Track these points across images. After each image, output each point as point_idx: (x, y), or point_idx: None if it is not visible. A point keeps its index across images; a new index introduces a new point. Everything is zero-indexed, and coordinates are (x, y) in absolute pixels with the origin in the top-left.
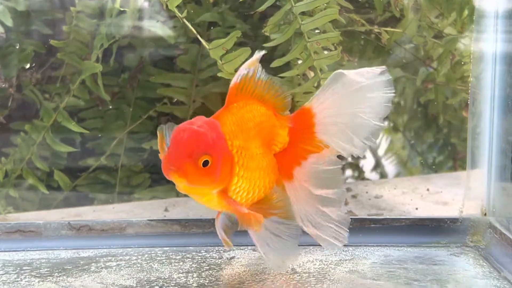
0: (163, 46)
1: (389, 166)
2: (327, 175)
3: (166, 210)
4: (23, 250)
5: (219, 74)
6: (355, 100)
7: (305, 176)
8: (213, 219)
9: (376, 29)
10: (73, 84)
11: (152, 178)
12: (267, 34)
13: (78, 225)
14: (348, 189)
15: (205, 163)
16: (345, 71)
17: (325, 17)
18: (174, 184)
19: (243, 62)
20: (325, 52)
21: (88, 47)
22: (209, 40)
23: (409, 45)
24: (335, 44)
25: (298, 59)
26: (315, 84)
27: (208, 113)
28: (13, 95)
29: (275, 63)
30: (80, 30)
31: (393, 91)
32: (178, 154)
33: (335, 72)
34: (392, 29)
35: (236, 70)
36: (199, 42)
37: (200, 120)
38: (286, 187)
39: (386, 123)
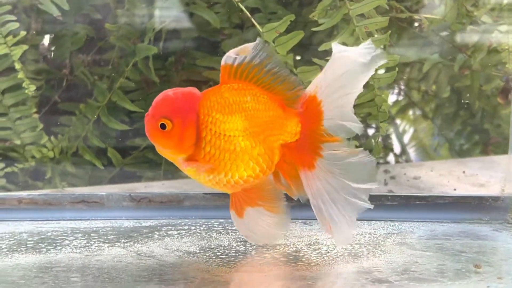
0: (207, 31)
1: (416, 153)
2: (360, 167)
3: None
4: (88, 219)
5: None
6: (355, 80)
7: (331, 167)
8: None
9: (416, 16)
10: (126, 66)
11: None
12: (315, 18)
13: (139, 197)
14: (386, 171)
15: (163, 126)
16: (345, 53)
17: (372, 3)
18: None
19: (295, 45)
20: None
21: (138, 31)
22: (251, 26)
23: (444, 32)
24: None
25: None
26: None
27: None
28: (67, 76)
29: (323, 47)
30: (131, 14)
31: (386, 61)
32: (149, 113)
33: (333, 54)
34: (432, 16)
35: (288, 53)
36: (242, 27)
37: (183, 89)
38: (305, 177)
39: None
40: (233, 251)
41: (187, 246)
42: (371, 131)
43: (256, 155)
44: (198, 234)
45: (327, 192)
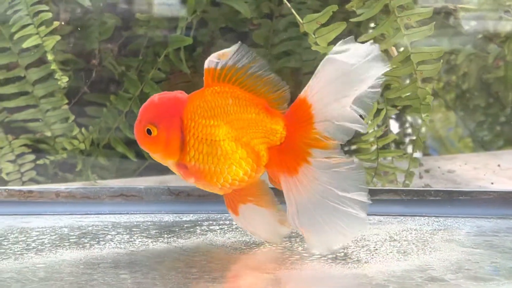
0: (234, 20)
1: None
2: (348, 177)
3: None
4: (127, 213)
5: (313, 48)
6: (350, 83)
7: (318, 174)
8: None
9: (451, 6)
10: (158, 57)
11: None
12: (353, 9)
13: (177, 191)
14: (420, 164)
15: (149, 131)
16: (336, 56)
17: None
18: None
19: (337, 36)
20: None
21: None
22: (280, 16)
23: (475, 23)
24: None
25: None
26: (402, 59)
27: None
28: (96, 67)
29: (362, 38)
30: (162, 3)
31: (388, 64)
32: (138, 119)
33: (325, 58)
34: (467, 6)
35: (329, 44)
36: (271, 17)
37: (170, 93)
38: (285, 181)
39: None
40: (280, 248)
41: (232, 241)
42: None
43: (238, 159)
44: (241, 230)
45: (308, 199)
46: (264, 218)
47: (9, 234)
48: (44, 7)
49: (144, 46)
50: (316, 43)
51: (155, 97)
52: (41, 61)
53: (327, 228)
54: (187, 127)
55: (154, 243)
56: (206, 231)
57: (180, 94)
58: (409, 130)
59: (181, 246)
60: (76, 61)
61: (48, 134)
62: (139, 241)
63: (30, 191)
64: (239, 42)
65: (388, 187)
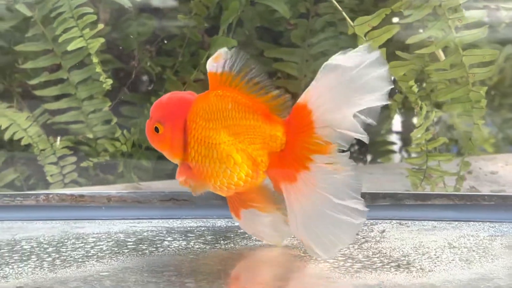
0: (269, 20)
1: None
2: (346, 184)
3: None
4: (179, 218)
5: None
6: (351, 88)
7: (315, 181)
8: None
9: (493, 6)
10: (201, 59)
11: None
12: (400, 10)
13: None
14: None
15: (156, 129)
16: (335, 61)
17: None
18: None
19: (388, 39)
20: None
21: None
22: (316, 15)
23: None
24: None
25: None
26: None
27: None
28: (135, 68)
29: (411, 40)
30: (202, 6)
31: (387, 66)
32: (150, 115)
33: (325, 64)
34: (508, 6)
35: (380, 47)
36: (308, 17)
37: (179, 93)
38: (285, 188)
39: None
40: (339, 255)
41: (290, 248)
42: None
43: (233, 164)
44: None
45: (307, 207)
46: (265, 223)
47: (66, 240)
48: (88, 9)
49: (182, 46)
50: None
51: (165, 96)
52: (83, 63)
53: (325, 235)
54: (189, 128)
55: (212, 249)
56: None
57: (189, 94)
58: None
59: (240, 253)
60: (115, 62)
61: (90, 136)
62: (197, 248)
63: (82, 196)
64: (236, 47)
65: (440, 192)
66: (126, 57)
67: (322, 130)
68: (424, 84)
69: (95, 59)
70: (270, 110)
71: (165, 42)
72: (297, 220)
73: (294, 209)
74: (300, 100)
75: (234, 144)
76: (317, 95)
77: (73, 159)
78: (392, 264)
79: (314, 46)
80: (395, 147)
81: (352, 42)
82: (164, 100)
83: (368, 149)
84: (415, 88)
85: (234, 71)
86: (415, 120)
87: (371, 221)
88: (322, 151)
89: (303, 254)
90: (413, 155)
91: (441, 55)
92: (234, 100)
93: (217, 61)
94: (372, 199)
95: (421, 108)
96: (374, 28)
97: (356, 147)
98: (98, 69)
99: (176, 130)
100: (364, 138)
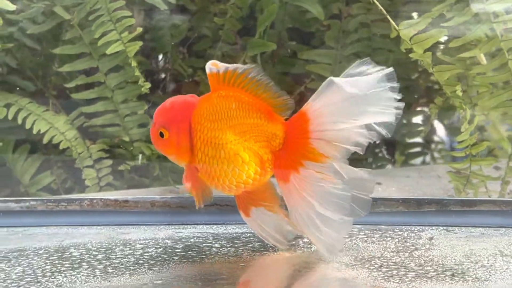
0: (301, 21)
1: None
2: (332, 194)
3: None
4: (223, 224)
5: (411, 55)
6: (350, 110)
7: (304, 185)
8: (401, 199)
9: None
10: (238, 60)
11: None
12: (443, 13)
13: None
14: (497, 168)
15: (161, 134)
16: (337, 80)
17: None
18: None
19: (434, 43)
20: None
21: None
22: (349, 16)
23: None
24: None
25: None
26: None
27: None
28: (170, 70)
29: (453, 44)
30: (236, 8)
31: (398, 97)
32: (153, 120)
33: (327, 79)
34: None
35: (425, 51)
36: (340, 18)
37: (181, 98)
38: (281, 187)
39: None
40: (391, 263)
41: (340, 256)
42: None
43: (241, 162)
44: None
45: (298, 207)
46: (274, 222)
47: (114, 247)
48: (126, 12)
49: (211, 47)
50: (411, 50)
51: (168, 101)
52: (118, 66)
53: (316, 236)
54: (194, 131)
55: (261, 256)
56: (309, 244)
57: (191, 98)
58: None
59: (288, 261)
60: (148, 64)
61: (126, 139)
62: (246, 255)
63: (126, 201)
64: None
65: (485, 197)
66: (158, 58)
67: (316, 142)
68: (465, 88)
69: (133, 63)
70: (273, 108)
71: (196, 43)
72: (295, 218)
73: (289, 207)
74: (303, 107)
75: (240, 143)
76: (317, 106)
77: (109, 162)
78: (447, 273)
79: (347, 47)
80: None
81: (385, 43)
82: (167, 105)
83: (395, 150)
84: (459, 92)
85: (236, 70)
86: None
87: (418, 227)
88: (315, 159)
89: (354, 263)
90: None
91: (482, 58)
92: (237, 99)
93: (215, 66)
94: (418, 205)
95: (464, 112)
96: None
97: (384, 148)
98: (137, 72)
99: (181, 134)
100: (360, 151)
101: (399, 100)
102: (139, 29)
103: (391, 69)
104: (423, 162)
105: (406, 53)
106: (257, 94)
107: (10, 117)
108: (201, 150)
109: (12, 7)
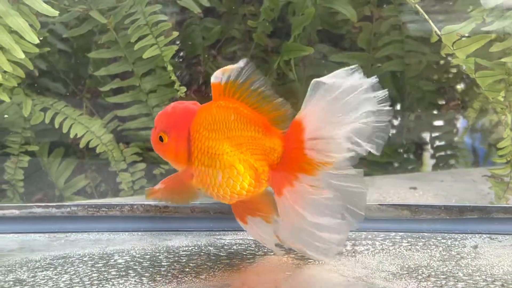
0: (331, 23)
1: None
2: (323, 205)
3: None
4: None
5: (454, 61)
6: (341, 105)
7: (297, 199)
8: (443, 206)
9: None
10: (273, 63)
11: None
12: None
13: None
14: None
15: (161, 139)
16: (322, 78)
17: None
18: None
19: (476, 49)
20: None
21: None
22: (381, 18)
23: None
24: None
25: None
26: None
27: None
28: (202, 73)
29: (494, 48)
30: (269, 10)
31: (371, 85)
32: (154, 124)
33: (312, 81)
34: None
35: (467, 57)
36: (372, 20)
37: (184, 104)
38: (276, 200)
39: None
40: (439, 273)
41: (386, 265)
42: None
43: (235, 174)
44: (387, 250)
45: (291, 220)
46: (269, 231)
47: (158, 254)
48: (163, 16)
49: (241, 49)
50: (453, 55)
51: (169, 106)
52: (153, 70)
53: (308, 247)
54: (193, 138)
55: (306, 265)
56: (353, 252)
57: (192, 105)
58: None
59: (336, 270)
60: (180, 67)
61: None
62: (291, 263)
63: (166, 207)
64: (246, 59)
65: None
66: (191, 61)
67: (311, 150)
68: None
69: (169, 67)
70: (270, 122)
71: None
72: (285, 229)
73: (283, 219)
74: (297, 116)
75: (236, 155)
76: (310, 113)
77: (142, 165)
78: (496, 283)
79: (379, 50)
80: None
81: (417, 45)
82: (168, 110)
83: (423, 153)
84: (501, 98)
85: (239, 81)
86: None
87: (461, 235)
88: (309, 171)
89: (401, 271)
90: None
91: None
92: (237, 111)
93: (225, 73)
94: (460, 212)
95: (506, 118)
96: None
97: (413, 151)
98: (173, 76)
99: (180, 140)
100: (354, 160)
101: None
102: (175, 33)
103: (374, 78)
104: (450, 165)
105: (438, 56)
106: (257, 107)
107: (47, 121)
108: (198, 158)
109: (54, 13)
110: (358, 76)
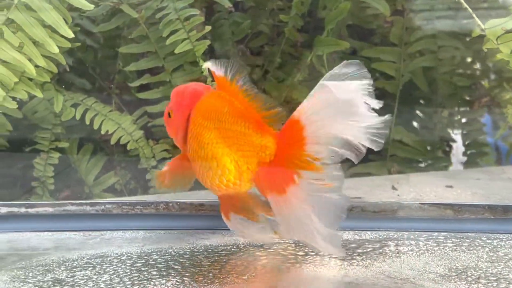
0: (360, 17)
1: None
2: (328, 202)
3: (393, 188)
4: None
5: (498, 56)
6: (342, 111)
7: (302, 196)
8: (487, 205)
9: None
10: (300, 60)
11: None
12: None
13: (351, 206)
14: None
15: (169, 115)
16: (328, 83)
17: None
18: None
19: None
20: None
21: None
22: (412, 12)
23: None
24: None
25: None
26: None
27: (415, 89)
28: None
29: None
30: (300, 5)
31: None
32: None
33: (319, 83)
34: None
35: None
36: (402, 14)
37: (196, 85)
38: (273, 199)
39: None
40: (489, 274)
41: (433, 266)
42: None
43: (222, 166)
44: (432, 251)
45: (296, 218)
46: (252, 229)
47: (197, 253)
48: (195, 11)
49: (268, 44)
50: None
51: (185, 85)
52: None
53: (313, 240)
54: (190, 123)
55: (351, 266)
56: (397, 252)
57: (203, 88)
58: None
59: (381, 271)
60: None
61: None
62: (334, 263)
63: (201, 204)
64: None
65: None
66: (219, 56)
67: (313, 147)
68: None
69: (201, 62)
70: (264, 119)
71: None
72: (289, 228)
73: (284, 218)
74: (294, 114)
75: (221, 147)
76: (311, 112)
77: None
78: None
79: (412, 44)
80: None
81: (450, 40)
82: (180, 89)
83: (451, 150)
84: None
85: (228, 77)
86: None
87: (506, 235)
88: (311, 167)
89: (449, 273)
90: None
91: None
92: (232, 104)
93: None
94: (504, 212)
95: None
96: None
97: (444, 148)
98: (205, 72)
99: (181, 121)
100: (357, 158)
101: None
102: (208, 28)
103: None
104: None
105: (472, 51)
106: (251, 102)
107: (77, 117)
108: (189, 143)
109: (89, 6)
110: (359, 77)
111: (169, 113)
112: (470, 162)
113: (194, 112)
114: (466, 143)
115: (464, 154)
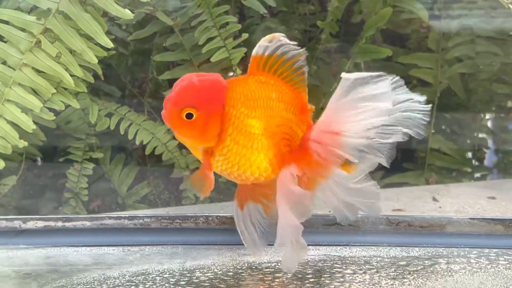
0: (396, 22)
1: None
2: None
3: (434, 199)
4: (346, 245)
5: None
6: (367, 109)
7: (334, 189)
8: None
9: None
10: (334, 67)
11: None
12: None
13: (397, 220)
14: None
15: (189, 116)
16: (352, 76)
17: None
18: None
19: None
20: None
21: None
22: (449, 17)
23: None
24: None
25: None
26: None
27: (453, 96)
28: None
29: None
30: (336, 10)
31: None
32: (171, 99)
33: (342, 79)
34: None
35: None
36: (439, 19)
37: (209, 76)
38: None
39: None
40: None
41: (489, 286)
42: None
43: (271, 156)
44: (485, 269)
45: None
46: (263, 225)
47: (240, 271)
48: (231, 18)
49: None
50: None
51: (193, 78)
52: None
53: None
54: (228, 115)
55: (403, 286)
56: (449, 271)
57: (219, 77)
58: None
59: None
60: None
61: None
62: (385, 284)
63: None
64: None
65: None
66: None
67: (314, 144)
68: None
69: (238, 71)
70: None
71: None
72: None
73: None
74: (324, 116)
75: (271, 137)
76: (338, 113)
77: None
78: None
79: (450, 50)
80: None
81: (489, 45)
82: (195, 83)
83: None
84: None
85: (284, 56)
86: None
87: None
88: (343, 167)
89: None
90: None
91: None
92: (278, 89)
93: (274, 39)
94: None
95: None
96: None
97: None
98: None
99: (212, 116)
100: (383, 161)
101: None
102: (245, 35)
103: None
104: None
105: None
106: (295, 87)
107: (112, 127)
108: (232, 136)
109: (130, 15)
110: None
111: (188, 114)
112: (506, 171)
113: (231, 104)
114: (503, 151)
115: (501, 162)
